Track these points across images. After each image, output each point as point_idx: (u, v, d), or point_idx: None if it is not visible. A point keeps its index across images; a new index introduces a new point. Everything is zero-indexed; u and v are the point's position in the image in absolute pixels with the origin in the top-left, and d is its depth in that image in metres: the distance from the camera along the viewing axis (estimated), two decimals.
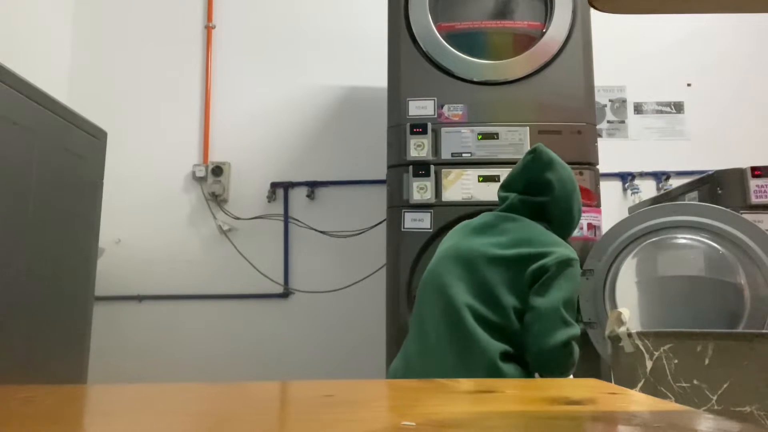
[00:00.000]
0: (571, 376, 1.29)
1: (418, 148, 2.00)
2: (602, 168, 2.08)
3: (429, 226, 1.96)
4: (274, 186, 2.82)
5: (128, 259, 2.76)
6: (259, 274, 2.76)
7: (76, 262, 1.88)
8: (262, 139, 2.88)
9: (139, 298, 2.75)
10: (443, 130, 2.03)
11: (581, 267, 1.47)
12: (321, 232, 2.78)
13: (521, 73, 2.04)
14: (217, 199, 2.81)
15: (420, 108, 2.05)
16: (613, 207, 2.66)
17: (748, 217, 1.74)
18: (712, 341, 1.29)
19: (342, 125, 2.87)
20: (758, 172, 1.91)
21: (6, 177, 1.49)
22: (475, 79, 2.05)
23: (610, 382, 1.19)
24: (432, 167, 1.99)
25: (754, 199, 1.89)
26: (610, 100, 2.86)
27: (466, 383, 0.83)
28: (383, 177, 2.17)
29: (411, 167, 1.99)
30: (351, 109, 2.88)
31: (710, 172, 2.05)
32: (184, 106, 2.91)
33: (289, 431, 0.55)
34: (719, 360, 1.27)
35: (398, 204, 2.00)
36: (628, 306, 1.69)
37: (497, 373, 1.20)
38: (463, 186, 1.98)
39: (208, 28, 2.95)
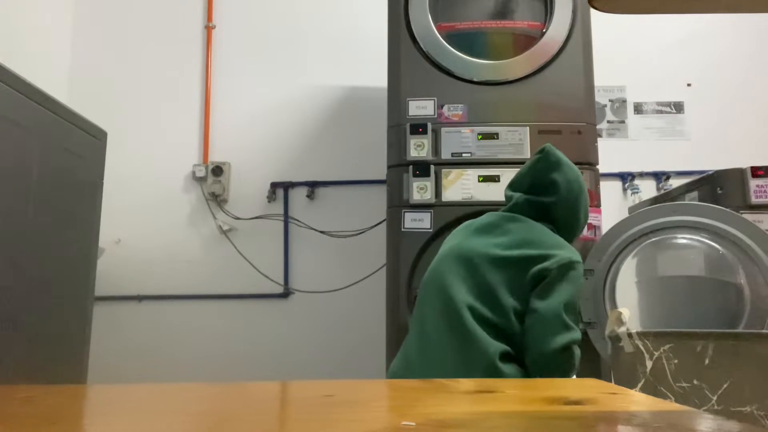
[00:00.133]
0: (574, 377, 1.29)
1: (418, 148, 2.00)
2: (602, 168, 2.08)
3: (429, 226, 1.96)
4: (274, 186, 2.82)
5: (128, 259, 2.76)
6: (259, 274, 2.76)
7: (76, 262, 1.88)
8: (262, 139, 2.88)
9: (139, 298, 2.75)
10: (443, 130, 2.03)
11: None
12: (321, 232, 2.78)
13: (521, 73, 2.04)
14: (217, 199, 2.81)
15: (420, 108, 2.05)
16: (613, 207, 2.66)
17: (748, 217, 1.75)
18: (712, 341, 1.29)
19: (342, 125, 2.87)
20: (758, 172, 1.91)
21: (6, 177, 1.49)
22: (475, 79, 2.05)
23: (610, 382, 1.19)
24: (432, 167, 1.99)
25: (754, 199, 1.89)
26: (610, 100, 2.86)
27: (466, 383, 0.83)
28: (383, 177, 2.17)
29: (411, 167, 1.99)
30: (351, 109, 2.88)
31: (710, 172, 2.05)
32: (184, 106, 2.91)
33: (289, 431, 0.55)
34: (719, 360, 1.28)
35: (398, 204, 2.00)
36: (628, 306, 1.69)
37: (497, 374, 1.20)
38: (463, 186, 1.98)
39: (208, 28, 2.95)
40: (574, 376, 1.30)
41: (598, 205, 2.00)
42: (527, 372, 1.27)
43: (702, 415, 0.58)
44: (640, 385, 1.33)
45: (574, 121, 2.01)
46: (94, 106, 2.59)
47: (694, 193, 2.09)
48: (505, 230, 1.38)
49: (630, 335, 1.37)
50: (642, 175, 2.76)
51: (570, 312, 1.26)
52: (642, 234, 1.79)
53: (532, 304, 1.26)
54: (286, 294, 2.75)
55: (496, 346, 1.22)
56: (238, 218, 2.81)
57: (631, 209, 2.53)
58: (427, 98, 2.05)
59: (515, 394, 0.72)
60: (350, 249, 2.76)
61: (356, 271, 2.71)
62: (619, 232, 1.83)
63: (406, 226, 1.97)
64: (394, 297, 1.96)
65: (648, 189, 2.74)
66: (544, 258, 1.28)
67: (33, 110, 1.61)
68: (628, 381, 1.35)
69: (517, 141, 2.00)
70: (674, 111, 2.84)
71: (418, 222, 1.97)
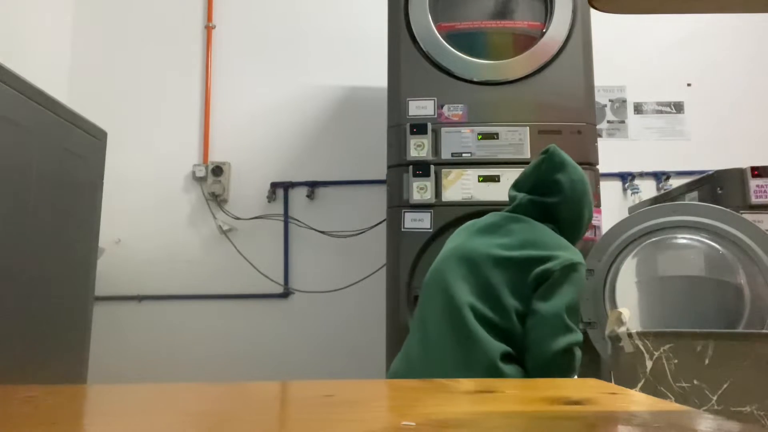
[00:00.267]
0: (576, 377, 1.29)
1: (418, 148, 2.00)
2: (602, 168, 2.08)
3: (429, 226, 1.96)
4: (274, 186, 2.82)
5: (128, 259, 2.76)
6: (259, 274, 2.76)
7: (76, 262, 1.88)
8: (262, 139, 2.88)
9: (139, 299, 2.75)
10: (443, 130, 2.03)
11: None
12: (321, 232, 2.78)
13: (521, 73, 2.04)
14: (217, 199, 2.81)
15: (420, 108, 2.05)
16: (613, 207, 2.66)
17: (748, 217, 1.74)
18: (712, 341, 1.29)
19: (342, 125, 2.87)
20: (758, 172, 1.91)
21: (6, 177, 1.49)
22: (475, 79, 2.05)
23: (610, 382, 1.19)
24: (432, 167, 1.99)
25: (754, 199, 1.89)
26: (610, 100, 2.86)
27: (466, 383, 0.83)
28: (383, 177, 2.17)
29: (411, 167, 1.99)
30: (351, 109, 2.88)
31: (710, 172, 2.05)
32: (184, 106, 2.91)
33: (289, 431, 0.55)
34: (719, 360, 1.28)
35: (398, 204, 2.00)
36: (628, 306, 1.69)
37: (498, 374, 1.20)
38: (463, 186, 1.98)
39: (208, 28, 2.95)
40: (575, 377, 1.29)
41: (598, 206, 2.00)
42: (528, 373, 1.26)
43: (702, 415, 0.58)
44: (640, 385, 1.33)
45: (574, 121, 2.01)
46: (94, 106, 2.60)
47: (694, 193, 2.09)
48: (508, 230, 1.38)
49: (630, 335, 1.37)
50: (642, 175, 2.76)
51: (572, 314, 1.26)
52: (642, 234, 1.79)
53: (533, 306, 1.26)
54: (286, 294, 2.75)
55: (497, 347, 1.22)
56: (238, 218, 2.81)
57: (631, 209, 2.53)
58: (427, 98, 2.05)
59: (515, 394, 0.72)
60: (350, 249, 2.76)
61: (356, 271, 2.71)
62: (619, 232, 1.83)
63: (406, 226, 1.97)
64: (394, 297, 1.96)
65: (648, 189, 2.74)
66: (547, 259, 1.28)
67: (33, 110, 1.61)
68: (628, 381, 1.35)
69: (517, 141, 2.01)
70: (674, 111, 2.84)
71: (418, 222, 1.97)
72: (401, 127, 2.04)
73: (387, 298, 2.00)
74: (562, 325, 1.23)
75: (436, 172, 1.99)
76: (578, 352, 1.26)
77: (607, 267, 1.82)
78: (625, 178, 2.76)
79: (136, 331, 2.72)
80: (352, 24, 2.93)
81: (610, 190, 2.71)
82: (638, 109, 2.85)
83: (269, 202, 2.82)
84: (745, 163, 1.97)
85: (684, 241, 1.75)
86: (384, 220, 2.23)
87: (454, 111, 2.04)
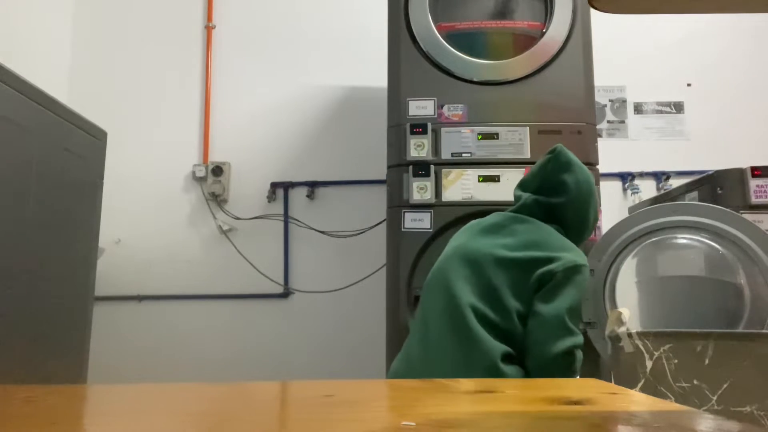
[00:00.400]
0: (578, 377, 1.29)
1: (418, 148, 2.00)
2: (602, 168, 2.08)
3: (429, 226, 1.96)
4: (274, 186, 2.82)
5: (128, 259, 2.76)
6: (259, 274, 2.76)
7: (76, 262, 1.88)
8: (262, 139, 2.88)
9: (139, 298, 2.75)
10: (443, 130, 2.03)
11: None
12: (321, 232, 2.78)
13: (521, 73, 2.04)
14: (217, 199, 2.81)
15: (420, 108, 2.05)
16: (613, 207, 2.66)
17: (748, 217, 1.74)
18: (712, 341, 1.29)
19: (342, 125, 2.87)
20: (758, 172, 1.91)
21: (6, 177, 1.49)
22: (475, 79, 2.05)
23: (610, 382, 1.19)
24: (432, 167, 1.99)
25: (754, 199, 1.89)
26: (610, 100, 2.86)
27: (466, 383, 0.83)
28: (383, 177, 2.17)
29: (411, 167, 1.99)
30: (351, 109, 2.88)
31: (710, 172, 2.05)
32: (184, 106, 2.91)
33: (289, 431, 0.55)
34: (719, 360, 1.28)
35: (398, 204, 2.00)
36: (628, 306, 1.70)
37: (498, 375, 1.19)
38: (463, 186, 1.98)
39: (208, 28, 2.95)
40: (578, 377, 1.29)
41: (599, 205, 2.00)
42: (528, 374, 1.26)
43: (702, 415, 0.58)
44: (640, 385, 1.33)
45: (574, 121, 2.01)
46: (94, 106, 2.60)
47: (694, 193, 2.09)
48: (511, 231, 1.37)
49: (630, 335, 1.37)
50: (642, 175, 2.76)
51: (573, 316, 1.25)
52: (642, 234, 1.80)
53: (535, 307, 1.25)
54: (286, 294, 2.75)
55: (498, 347, 1.22)
56: (238, 218, 2.81)
57: (631, 209, 2.53)
58: (427, 98, 2.05)
59: (515, 394, 0.72)
60: (350, 249, 2.76)
61: (356, 271, 2.71)
62: (619, 232, 1.83)
63: (406, 226, 1.97)
64: (394, 297, 1.96)
65: (648, 189, 2.74)
66: (550, 260, 1.27)
67: (33, 110, 1.61)
68: (628, 381, 1.35)
69: (517, 141, 2.00)
70: (674, 111, 2.84)
71: (418, 222, 1.97)
72: (401, 127, 2.04)
73: (387, 298, 2.00)
74: (564, 327, 1.22)
75: (436, 172, 1.99)
76: (579, 354, 1.26)
77: (607, 267, 1.82)
78: (625, 178, 2.76)
79: (136, 331, 2.72)
80: (352, 24, 2.93)
81: (610, 190, 2.71)
82: (638, 109, 2.85)
83: (269, 202, 2.82)
84: (745, 163, 1.97)
85: (684, 241, 1.75)
86: (384, 220, 2.23)
87: (454, 111, 2.04)
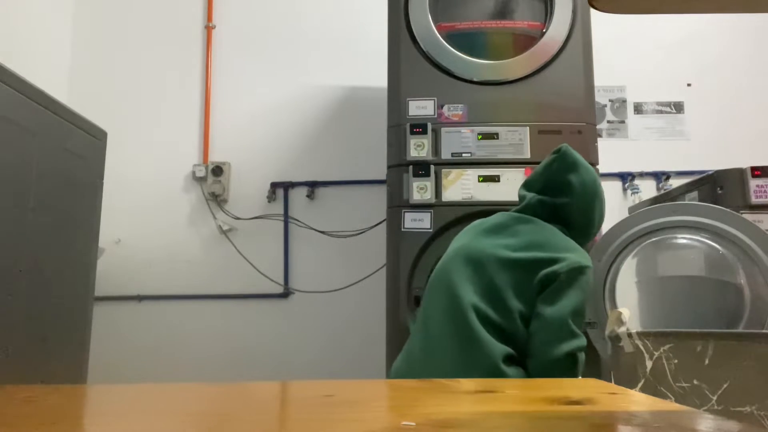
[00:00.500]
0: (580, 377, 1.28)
1: (418, 148, 2.00)
2: (602, 168, 2.08)
3: (429, 226, 1.96)
4: (274, 186, 2.82)
5: (128, 259, 2.76)
6: (259, 274, 2.76)
7: (76, 262, 1.88)
8: (262, 139, 2.88)
9: (139, 298, 2.75)
10: (443, 130, 2.03)
11: None
12: (321, 232, 2.78)
13: (521, 73, 2.04)
14: (217, 199, 2.81)
15: (420, 108, 2.05)
16: (613, 207, 2.65)
17: (748, 217, 1.75)
18: (712, 341, 1.29)
19: (342, 125, 2.87)
20: (758, 172, 1.91)
21: (6, 177, 1.49)
22: (475, 79, 2.05)
23: (610, 382, 1.19)
24: (432, 167, 1.99)
25: (754, 199, 1.89)
26: (610, 100, 2.86)
27: (466, 383, 0.83)
28: (383, 177, 2.17)
29: (411, 167, 1.99)
30: (351, 109, 2.88)
31: (710, 172, 2.05)
32: (184, 106, 2.91)
33: (289, 431, 0.55)
34: (719, 360, 1.28)
35: (398, 204, 2.00)
36: (628, 306, 1.70)
37: (499, 376, 1.18)
38: (463, 186, 1.98)
39: (208, 28, 2.95)
40: (580, 377, 1.29)
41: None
42: (530, 375, 1.25)
43: (702, 415, 0.58)
44: (640, 385, 1.33)
45: (574, 121, 2.01)
46: (94, 106, 2.59)
47: (694, 193, 2.09)
48: (514, 231, 1.36)
49: (630, 335, 1.37)
50: (642, 175, 2.76)
51: (577, 319, 1.23)
52: (642, 234, 1.80)
53: (538, 309, 1.24)
54: (286, 294, 2.75)
55: (500, 349, 1.21)
56: (238, 218, 2.81)
57: (631, 209, 2.53)
58: (427, 98, 2.05)
59: (516, 394, 0.72)
60: (350, 249, 2.76)
61: (356, 271, 2.71)
62: (619, 232, 1.83)
63: (406, 226, 1.97)
64: (395, 297, 1.96)
65: (648, 189, 2.74)
66: (553, 261, 1.26)
67: (33, 110, 1.61)
68: (628, 381, 1.35)
69: (517, 141, 2.00)
70: (674, 111, 2.84)
71: (418, 222, 1.97)
72: (401, 127, 2.04)
73: (387, 298, 2.00)
74: (567, 330, 1.21)
75: (436, 172, 1.99)
76: (582, 357, 1.24)
77: (607, 267, 1.82)
78: (625, 178, 2.76)
79: (136, 331, 2.72)
80: (352, 24, 2.93)
81: (610, 190, 2.69)
82: (638, 109, 2.85)
83: (269, 202, 2.82)
84: (745, 163, 1.97)
85: (684, 241, 1.75)
86: (384, 220, 2.23)
87: (454, 111, 2.04)
